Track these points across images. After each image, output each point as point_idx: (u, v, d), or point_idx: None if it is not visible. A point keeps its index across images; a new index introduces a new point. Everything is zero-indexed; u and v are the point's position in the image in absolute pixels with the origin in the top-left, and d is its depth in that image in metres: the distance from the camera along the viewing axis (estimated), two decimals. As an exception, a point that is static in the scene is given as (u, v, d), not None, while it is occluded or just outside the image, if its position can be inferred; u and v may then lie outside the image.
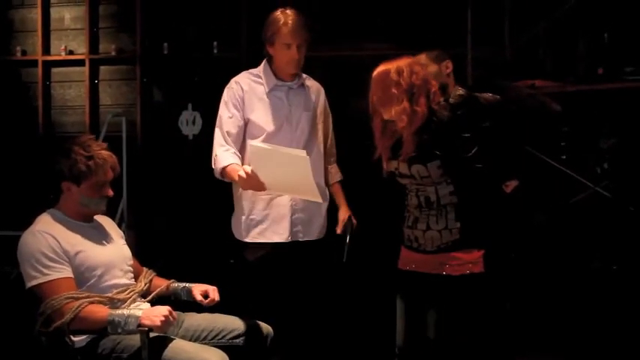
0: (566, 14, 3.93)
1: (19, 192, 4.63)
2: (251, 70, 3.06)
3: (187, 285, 2.69)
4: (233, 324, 2.58)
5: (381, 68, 2.47)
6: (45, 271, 2.32)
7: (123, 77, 4.74)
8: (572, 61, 3.97)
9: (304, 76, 3.08)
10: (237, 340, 2.55)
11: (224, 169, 2.86)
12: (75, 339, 2.33)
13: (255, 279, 2.97)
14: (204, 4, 4.59)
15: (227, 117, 2.96)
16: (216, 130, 2.97)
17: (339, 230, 2.99)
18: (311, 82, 3.10)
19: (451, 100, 2.44)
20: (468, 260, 2.43)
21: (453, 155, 2.40)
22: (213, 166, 2.95)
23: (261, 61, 3.04)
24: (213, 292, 2.63)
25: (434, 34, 4.14)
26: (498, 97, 2.54)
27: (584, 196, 3.69)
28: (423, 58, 3.03)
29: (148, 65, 4.66)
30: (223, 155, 2.89)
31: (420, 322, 2.51)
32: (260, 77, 3.01)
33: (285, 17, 2.91)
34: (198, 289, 2.65)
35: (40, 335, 2.31)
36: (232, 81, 3.03)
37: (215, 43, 4.55)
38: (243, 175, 2.65)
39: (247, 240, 2.98)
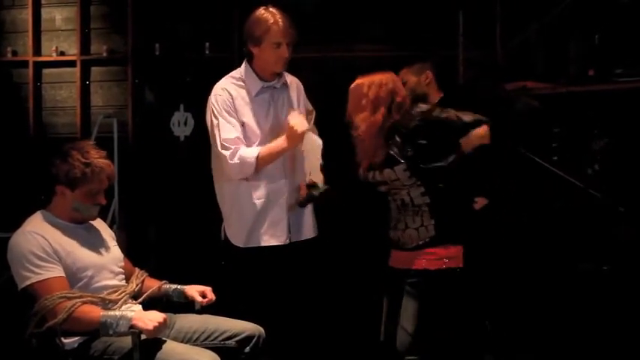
0: (557, 16, 3.94)
1: (8, 193, 4.60)
2: (232, 74, 2.99)
3: (179, 287, 2.69)
4: (225, 325, 2.58)
5: (357, 81, 2.70)
6: (37, 270, 2.32)
7: (114, 78, 4.73)
8: (564, 62, 3.99)
9: (284, 73, 3.04)
10: (229, 342, 2.55)
11: (258, 157, 2.82)
12: (66, 341, 2.33)
13: (253, 284, 2.92)
14: (195, 4, 4.58)
15: (228, 125, 2.87)
16: (219, 142, 2.85)
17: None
18: (290, 78, 3.06)
19: (413, 112, 2.61)
20: (443, 255, 2.59)
21: (416, 160, 2.57)
22: (237, 172, 2.86)
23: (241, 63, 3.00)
24: (210, 292, 2.63)
25: (426, 36, 4.15)
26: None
27: (575, 198, 3.71)
28: (403, 72, 3.16)
29: (140, 66, 4.64)
30: (246, 151, 2.84)
31: (399, 316, 2.65)
32: (243, 81, 2.95)
33: (273, 16, 2.86)
34: (193, 290, 2.64)
35: (31, 337, 2.30)
36: (218, 88, 2.94)
37: (207, 44, 4.54)
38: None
39: (246, 245, 2.92)
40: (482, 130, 2.71)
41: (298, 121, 2.81)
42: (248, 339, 2.56)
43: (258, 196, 2.90)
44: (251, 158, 2.82)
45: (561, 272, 3.67)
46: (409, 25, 4.24)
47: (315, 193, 2.85)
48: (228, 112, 2.89)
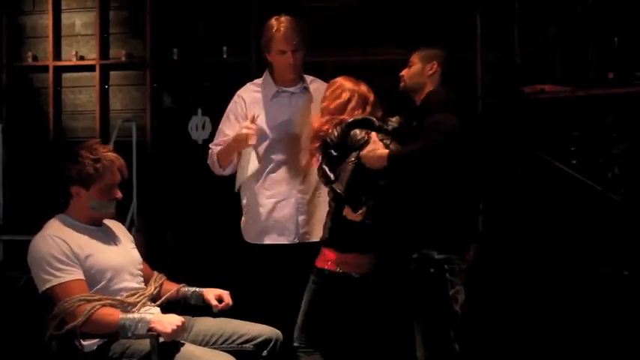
0: (576, 19, 3.92)
1: (29, 197, 4.65)
2: (255, 81, 3.13)
3: (197, 289, 2.69)
4: (243, 329, 2.58)
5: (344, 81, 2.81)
6: (57, 273, 2.33)
7: (133, 82, 4.77)
8: (583, 65, 3.96)
9: (310, 79, 3.09)
10: (247, 345, 2.55)
11: (217, 152, 3.02)
12: (85, 343, 2.34)
13: (262, 281, 2.98)
14: (214, 9, 4.60)
15: (224, 130, 3.07)
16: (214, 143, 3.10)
17: None
18: (317, 85, 3.07)
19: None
20: (332, 259, 2.68)
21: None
22: (212, 167, 3.09)
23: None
24: (227, 297, 2.63)
25: (444, 39, 4.13)
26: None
27: (594, 202, 3.68)
28: (415, 54, 2.94)
29: (158, 70, 4.68)
30: (215, 149, 3.06)
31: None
32: (262, 87, 3.07)
33: (278, 24, 2.94)
34: (211, 294, 2.65)
35: (51, 339, 2.32)
36: (236, 95, 3.11)
37: (225, 48, 4.56)
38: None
39: (254, 242, 3.04)
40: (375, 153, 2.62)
41: (250, 132, 2.88)
42: (265, 342, 2.56)
43: (270, 195, 2.99)
44: (214, 155, 3.05)
45: (581, 277, 3.64)
46: (427, 28, 4.23)
47: None
48: (235, 117, 3.06)
